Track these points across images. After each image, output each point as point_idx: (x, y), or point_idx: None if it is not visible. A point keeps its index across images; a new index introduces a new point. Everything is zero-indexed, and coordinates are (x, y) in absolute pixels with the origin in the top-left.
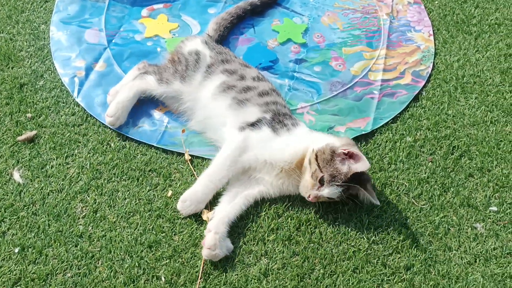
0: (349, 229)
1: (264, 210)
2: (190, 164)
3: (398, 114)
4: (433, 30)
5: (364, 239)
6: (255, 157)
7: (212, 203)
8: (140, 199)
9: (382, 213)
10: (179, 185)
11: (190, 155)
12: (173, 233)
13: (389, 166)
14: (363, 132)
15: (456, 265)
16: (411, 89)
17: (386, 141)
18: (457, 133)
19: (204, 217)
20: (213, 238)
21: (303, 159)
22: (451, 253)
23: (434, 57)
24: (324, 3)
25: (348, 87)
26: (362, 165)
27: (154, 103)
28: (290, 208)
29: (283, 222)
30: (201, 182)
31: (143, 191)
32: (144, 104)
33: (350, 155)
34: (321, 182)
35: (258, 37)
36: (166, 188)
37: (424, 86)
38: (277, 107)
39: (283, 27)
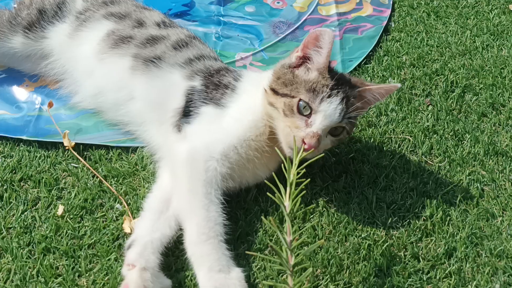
0: (353, 214)
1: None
2: (74, 153)
3: (370, 51)
4: None
5: (377, 224)
6: (224, 157)
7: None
8: (10, 228)
9: (391, 183)
10: (75, 195)
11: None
12: (76, 273)
13: (379, 119)
14: None
15: (509, 236)
16: (377, 21)
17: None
18: (448, 65)
19: (127, 227)
20: (139, 278)
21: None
22: (497, 221)
23: None
24: None
25: (296, 27)
26: (327, 40)
27: (16, 78)
28: (258, 199)
29: (254, 221)
30: (202, 251)
31: (13, 215)
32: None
33: (304, 55)
34: (301, 111)
35: None
36: (54, 202)
37: (391, 15)
38: (205, 62)
39: None
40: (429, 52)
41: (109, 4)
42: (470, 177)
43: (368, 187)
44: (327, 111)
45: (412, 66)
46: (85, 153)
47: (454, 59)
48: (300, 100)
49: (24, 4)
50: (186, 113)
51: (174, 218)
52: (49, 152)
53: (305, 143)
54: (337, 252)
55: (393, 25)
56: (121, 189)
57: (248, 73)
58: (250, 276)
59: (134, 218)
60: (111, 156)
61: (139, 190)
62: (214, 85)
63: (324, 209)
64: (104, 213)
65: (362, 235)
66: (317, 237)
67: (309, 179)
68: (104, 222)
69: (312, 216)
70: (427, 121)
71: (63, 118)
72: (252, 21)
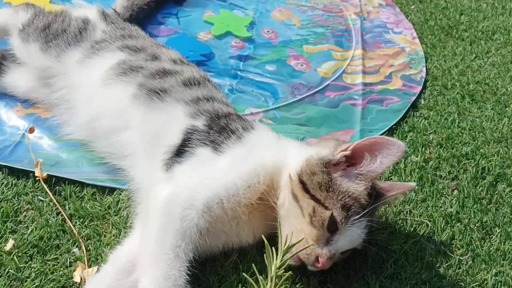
0: None
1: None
2: (44, 185)
3: (393, 125)
4: (416, 33)
5: None
6: (206, 209)
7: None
8: None
9: (400, 271)
10: (31, 231)
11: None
12: None
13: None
14: None
15: None
16: (405, 96)
17: None
18: (481, 150)
19: (77, 275)
20: None
21: (272, 184)
22: None
23: (426, 61)
24: None
25: (316, 90)
26: (393, 154)
27: (9, 103)
28: (238, 266)
29: None
30: None
31: None
32: None
33: (353, 155)
34: (331, 227)
35: (184, 28)
36: (6, 236)
37: (421, 92)
38: (214, 105)
39: (220, 19)
40: (460, 134)
41: (127, 38)
42: (496, 278)
43: (372, 272)
44: (354, 236)
45: (439, 146)
46: (57, 187)
47: (488, 145)
48: (332, 215)
49: (56, 19)
50: (180, 152)
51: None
52: (19, 181)
53: (318, 262)
54: None
55: (422, 102)
56: (84, 232)
57: (263, 127)
58: None
59: (90, 267)
60: (84, 194)
61: (104, 236)
62: (219, 127)
63: None
64: (57, 256)
65: None
66: None
67: (291, 273)
68: (54, 266)
69: None
70: (451, 207)
71: (44, 148)
72: (271, 80)
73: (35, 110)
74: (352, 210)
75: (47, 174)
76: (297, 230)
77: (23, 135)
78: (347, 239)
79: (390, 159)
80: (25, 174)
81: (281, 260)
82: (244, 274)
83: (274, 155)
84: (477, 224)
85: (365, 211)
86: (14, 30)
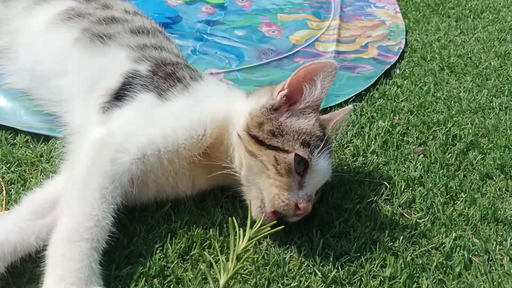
0: (288, 258)
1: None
2: None
3: (363, 91)
4: (400, 9)
5: (316, 275)
6: (140, 155)
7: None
8: None
9: (349, 230)
10: None
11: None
12: None
13: (355, 158)
14: None
15: None
16: (379, 65)
17: (347, 124)
18: (454, 119)
19: None
20: None
21: (222, 140)
22: None
23: (406, 34)
24: None
25: (285, 56)
26: (327, 73)
27: None
28: (171, 216)
29: (156, 241)
30: (64, 251)
31: None
32: None
33: (292, 92)
34: (299, 169)
35: None
36: None
37: (397, 62)
38: (161, 53)
39: None
40: (434, 103)
41: None
42: (456, 242)
43: (318, 230)
44: (324, 169)
45: (409, 113)
46: None
47: (463, 114)
48: (296, 155)
49: None
50: (120, 97)
51: (49, 228)
52: None
53: (298, 209)
54: None
55: (397, 72)
56: (9, 176)
57: (212, 78)
58: None
59: (7, 209)
60: (17, 141)
61: (30, 182)
62: (165, 74)
63: (257, 250)
64: None
65: (291, 284)
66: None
67: (251, 252)
68: None
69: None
70: (415, 171)
71: None
72: (239, 44)
73: None
74: (312, 144)
75: None
76: (266, 188)
77: None
78: (318, 174)
79: (329, 80)
80: None
81: (248, 240)
82: (205, 253)
83: (223, 107)
84: (441, 189)
85: (324, 140)
86: None
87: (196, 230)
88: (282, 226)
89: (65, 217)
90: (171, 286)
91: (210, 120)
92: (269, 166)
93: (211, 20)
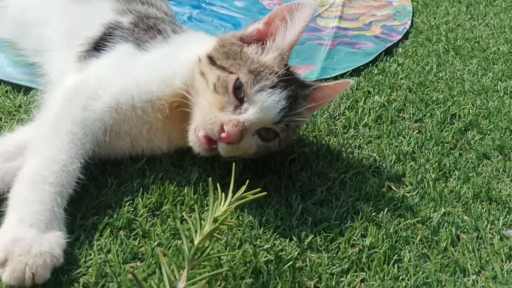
0: (264, 220)
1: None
2: None
3: (361, 67)
4: None
5: (292, 240)
6: (113, 103)
7: None
8: None
9: (331, 198)
10: None
11: None
12: None
13: (346, 130)
14: None
15: None
16: (381, 43)
17: (341, 98)
18: (455, 98)
19: None
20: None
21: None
22: (468, 280)
23: (413, 16)
24: None
25: None
26: (305, 13)
27: None
28: (145, 172)
29: (127, 194)
30: (26, 194)
31: None
32: None
33: (264, 31)
34: (238, 94)
35: None
36: None
37: (400, 41)
38: (148, 9)
39: None
40: (435, 82)
41: None
42: (445, 218)
43: (298, 195)
44: (266, 102)
45: (408, 90)
46: None
47: (464, 95)
48: (238, 79)
49: None
50: (99, 47)
51: (14, 173)
52: None
53: (223, 131)
54: (221, 259)
55: (400, 51)
56: None
57: (196, 33)
58: (82, 254)
59: None
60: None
61: (3, 130)
62: (146, 26)
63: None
64: None
65: (264, 246)
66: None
67: (229, 214)
68: None
69: (207, 206)
70: (407, 145)
71: None
72: (236, 14)
73: None
74: (262, 75)
75: None
76: (203, 109)
77: None
78: (258, 106)
79: (303, 20)
80: None
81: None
82: (177, 210)
83: (200, 51)
84: (433, 165)
85: (281, 78)
86: None
87: (170, 186)
88: (265, 193)
89: (30, 159)
90: (137, 239)
91: (183, 66)
92: (210, 84)
93: None
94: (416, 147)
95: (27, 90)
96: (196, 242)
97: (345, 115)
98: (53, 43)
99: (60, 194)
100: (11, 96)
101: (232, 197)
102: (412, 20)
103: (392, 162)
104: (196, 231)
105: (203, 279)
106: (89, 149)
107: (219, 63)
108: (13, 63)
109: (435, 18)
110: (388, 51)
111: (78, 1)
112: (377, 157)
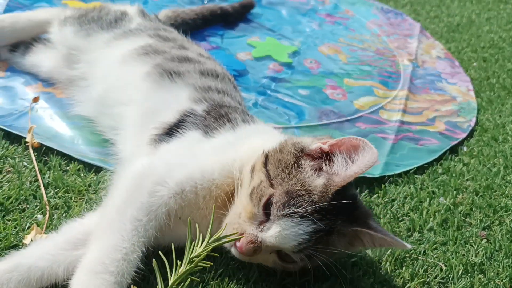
0: None
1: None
2: (32, 151)
3: (425, 164)
4: (473, 87)
5: None
6: (178, 190)
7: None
8: None
9: None
10: (2, 190)
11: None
12: None
13: (410, 233)
14: (368, 176)
15: None
16: (445, 140)
17: (405, 197)
18: None
19: (29, 238)
20: None
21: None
22: None
23: (477, 113)
24: (325, 36)
25: (347, 119)
26: (365, 160)
27: (31, 80)
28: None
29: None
30: (82, 281)
31: None
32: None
33: (330, 152)
34: (267, 208)
35: (226, 47)
36: None
37: (465, 139)
38: (223, 98)
39: (263, 44)
40: (503, 186)
41: (160, 30)
42: None
43: None
44: (286, 231)
45: (474, 193)
46: (45, 158)
47: None
48: (271, 195)
49: (94, 10)
50: (171, 133)
51: (78, 262)
52: (11, 145)
53: (238, 241)
54: None
55: (465, 149)
56: (55, 201)
57: (266, 126)
58: None
59: (46, 233)
60: (70, 168)
61: (73, 210)
62: (217, 114)
63: None
64: (18, 218)
65: None
66: None
67: (204, 256)
68: (11, 226)
69: None
70: (475, 256)
71: (46, 121)
72: (301, 102)
73: (53, 90)
74: (296, 200)
75: (39, 142)
76: (237, 207)
77: (31, 107)
78: (277, 231)
79: (361, 166)
80: (18, 141)
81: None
82: (162, 254)
83: (265, 144)
84: (504, 280)
85: (315, 209)
86: (55, 21)
87: None
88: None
89: (93, 246)
90: None
91: (243, 156)
92: (250, 185)
93: (277, 77)
94: (484, 258)
95: (98, 169)
96: (170, 283)
97: (409, 216)
98: (129, 123)
99: (119, 284)
100: (82, 175)
101: (210, 238)
102: (476, 118)
103: (460, 273)
104: (173, 272)
105: None
106: (152, 236)
107: (269, 167)
108: (87, 142)
109: (500, 117)
110: (453, 149)
111: (161, 87)
112: (443, 267)
